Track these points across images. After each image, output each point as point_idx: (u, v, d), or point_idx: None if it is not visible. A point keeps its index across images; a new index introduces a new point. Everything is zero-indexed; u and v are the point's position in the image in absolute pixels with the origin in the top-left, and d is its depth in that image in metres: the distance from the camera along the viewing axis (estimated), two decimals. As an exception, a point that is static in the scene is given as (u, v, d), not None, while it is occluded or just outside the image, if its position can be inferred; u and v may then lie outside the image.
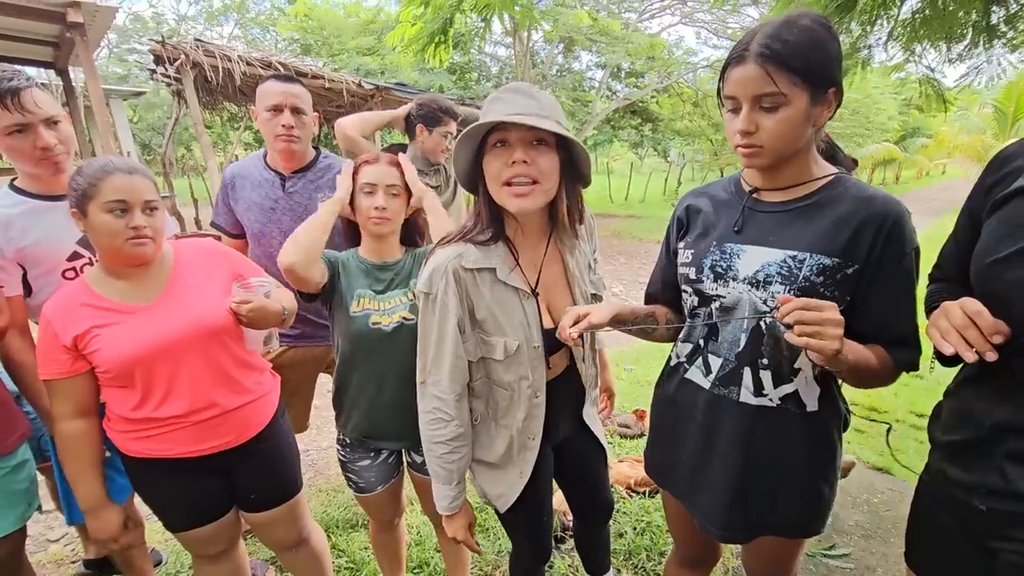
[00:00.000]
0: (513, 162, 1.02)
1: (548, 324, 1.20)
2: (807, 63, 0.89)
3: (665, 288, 1.26)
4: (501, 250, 1.14)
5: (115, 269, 1.26)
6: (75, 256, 1.46)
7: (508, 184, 1.05)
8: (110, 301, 1.23)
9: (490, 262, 1.12)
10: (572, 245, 1.25)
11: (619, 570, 2.01)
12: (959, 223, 0.99)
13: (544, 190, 1.07)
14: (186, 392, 1.26)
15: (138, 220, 1.19)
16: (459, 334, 1.13)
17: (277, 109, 1.76)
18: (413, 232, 1.56)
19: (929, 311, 1.08)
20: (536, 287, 1.19)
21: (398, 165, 1.45)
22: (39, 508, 1.46)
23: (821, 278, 0.96)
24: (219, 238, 1.91)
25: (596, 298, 1.31)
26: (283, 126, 1.75)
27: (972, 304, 0.79)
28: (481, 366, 1.21)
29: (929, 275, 1.10)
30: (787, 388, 1.04)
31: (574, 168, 1.12)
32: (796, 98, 0.90)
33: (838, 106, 0.96)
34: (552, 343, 1.19)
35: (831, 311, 0.82)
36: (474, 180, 1.13)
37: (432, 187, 2.37)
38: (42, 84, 1.38)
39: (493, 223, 1.13)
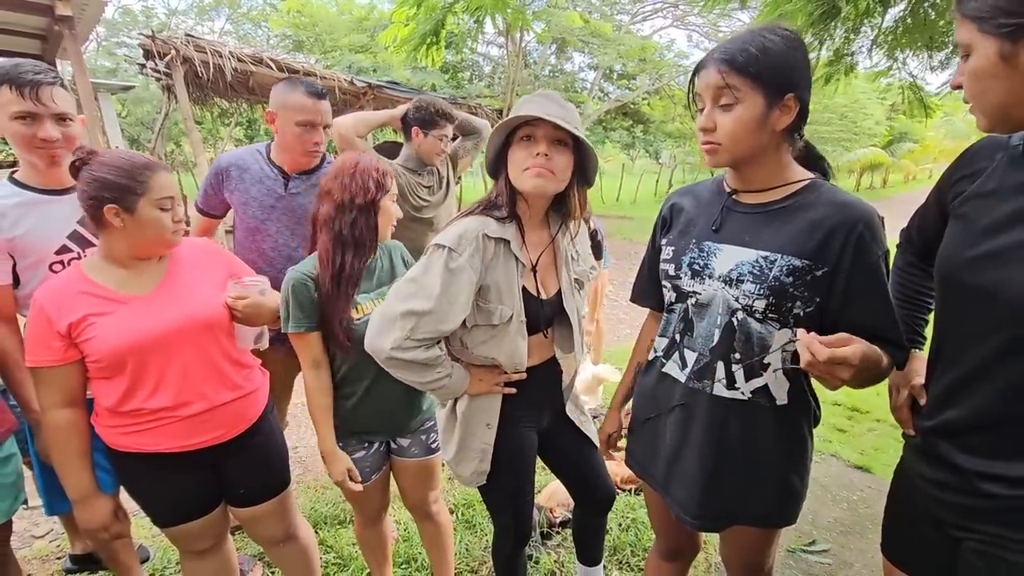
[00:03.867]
0: (537, 154, 1.19)
1: (543, 296, 1.35)
2: (760, 67, 0.96)
3: (651, 283, 1.30)
4: (513, 228, 1.29)
5: (120, 258, 1.27)
6: (63, 250, 1.47)
7: (527, 169, 1.20)
8: (107, 289, 1.24)
9: (506, 234, 1.27)
10: (569, 236, 1.41)
11: (605, 565, 2.05)
12: (928, 200, 1.07)
13: (557, 181, 1.23)
14: (176, 384, 1.27)
15: (180, 214, 1.28)
16: (472, 297, 1.23)
17: (310, 125, 1.79)
18: None
19: (895, 287, 1.18)
20: (536, 264, 1.34)
21: None
22: (25, 503, 1.46)
23: (791, 278, 1.00)
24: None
25: (578, 283, 1.43)
26: (315, 143, 1.82)
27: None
28: (465, 334, 1.30)
29: (899, 242, 1.21)
30: (758, 382, 1.08)
31: (583, 171, 1.30)
32: (749, 99, 0.97)
33: (801, 114, 1.01)
34: (546, 314, 1.35)
35: (843, 358, 0.84)
36: (497, 167, 1.30)
37: (425, 187, 2.39)
38: (61, 83, 1.43)
39: (508, 204, 1.28)
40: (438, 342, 1.26)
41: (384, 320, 1.21)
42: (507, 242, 1.26)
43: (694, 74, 1.05)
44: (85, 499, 1.28)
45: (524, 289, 1.30)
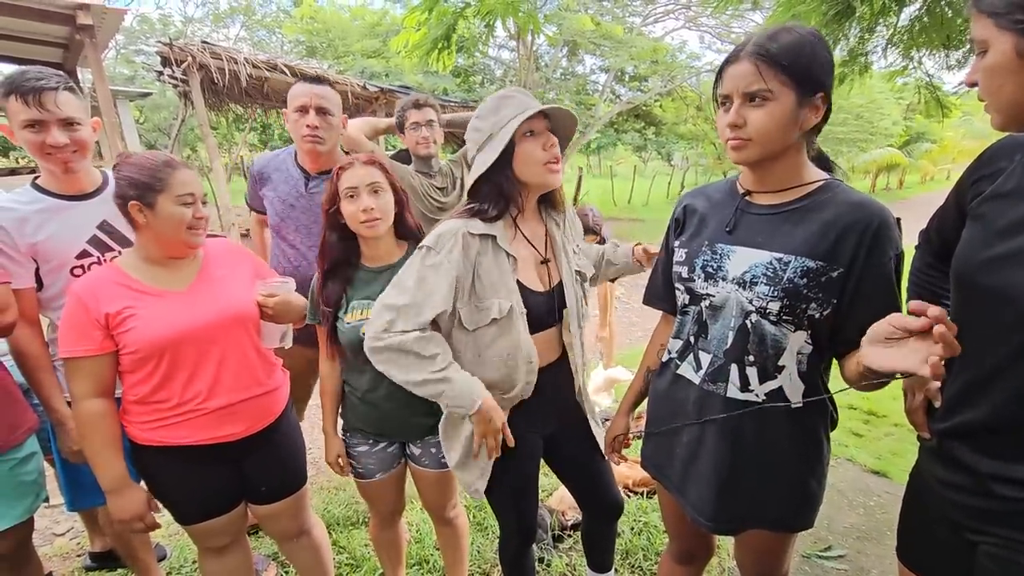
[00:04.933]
0: (551, 146, 1.25)
1: (544, 288, 1.37)
2: (794, 64, 0.95)
3: (665, 286, 1.30)
4: (501, 224, 1.30)
5: (154, 256, 1.32)
6: (84, 254, 1.50)
7: (546, 164, 1.25)
8: (144, 284, 1.28)
9: (492, 231, 1.28)
10: (560, 224, 1.43)
11: (617, 569, 2.03)
12: (947, 201, 1.06)
13: (561, 168, 1.30)
14: (210, 376, 1.30)
15: (202, 211, 1.32)
16: (453, 291, 1.23)
17: (303, 110, 1.81)
18: (408, 226, 1.52)
19: (912, 288, 1.16)
20: (546, 255, 1.38)
21: (375, 163, 1.43)
22: (46, 500, 1.49)
23: (804, 280, 1.00)
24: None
25: (580, 276, 1.44)
26: (308, 126, 1.80)
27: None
28: (471, 341, 1.29)
29: (918, 240, 1.19)
30: (772, 384, 1.07)
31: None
32: (782, 95, 0.96)
33: (827, 114, 1.00)
34: (548, 307, 1.36)
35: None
36: (494, 168, 1.25)
37: (438, 188, 2.40)
38: (69, 88, 1.43)
39: (507, 202, 1.29)
40: (423, 331, 1.24)
41: (371, 315, 1.27)
42: (494, 238, 1.27)
43: (721, 69, 1.03)
44: (119, 489, 1.28)
45: (520, 283, 1.31)
